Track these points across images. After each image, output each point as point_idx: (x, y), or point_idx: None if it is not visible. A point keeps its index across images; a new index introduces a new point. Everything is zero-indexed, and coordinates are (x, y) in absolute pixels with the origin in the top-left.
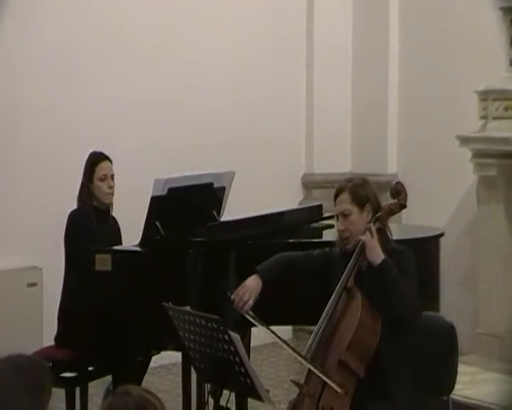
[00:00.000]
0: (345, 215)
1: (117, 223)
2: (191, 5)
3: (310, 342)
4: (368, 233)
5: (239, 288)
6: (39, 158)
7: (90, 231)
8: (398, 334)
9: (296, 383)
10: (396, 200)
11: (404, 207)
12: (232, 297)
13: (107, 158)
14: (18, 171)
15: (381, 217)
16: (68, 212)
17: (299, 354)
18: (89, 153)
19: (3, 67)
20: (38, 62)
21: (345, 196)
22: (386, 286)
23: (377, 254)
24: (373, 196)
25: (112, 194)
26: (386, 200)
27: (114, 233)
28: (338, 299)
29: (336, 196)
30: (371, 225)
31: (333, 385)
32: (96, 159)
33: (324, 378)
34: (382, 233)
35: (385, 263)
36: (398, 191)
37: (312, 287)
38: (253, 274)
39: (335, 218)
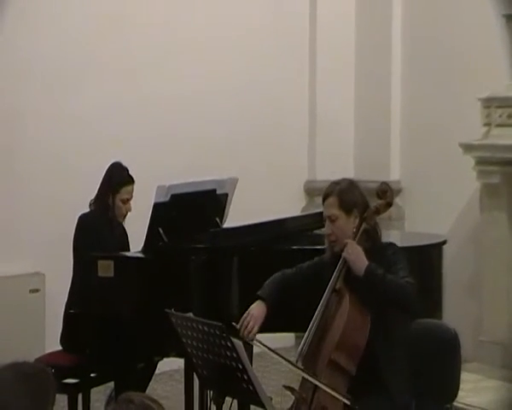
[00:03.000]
0: (331, 220)
1: (125, 230)
2: (197, 12)
3: (301, 345)
4: (347, 247)
5: (244, 316)
6: (42, 164)
7: (98, 236)
8: (390, 331)
9: (288, 388)
10: (382, 200)
11: (390, 205)
12: (238, 326)
13: (133, 181)
14: (20, 177)
15: (367, 217)
16: (71, 217)
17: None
18: (113, 163)
19: (4, 72)
20: (41, 67)
21: (332, 201)
22: (377, 288)
23: (360, 266)
24: (360, 201)
25: (126, 216)
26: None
27: (122, 240)
28: (327, 301)
29: (324, 199)
30: (350, 240)
31: (327, 389)
32: (124, 180)
33: (319, 384)
34: (370, 233)
35: (369, 269)
36: (384, 191)
37: (310, 295)
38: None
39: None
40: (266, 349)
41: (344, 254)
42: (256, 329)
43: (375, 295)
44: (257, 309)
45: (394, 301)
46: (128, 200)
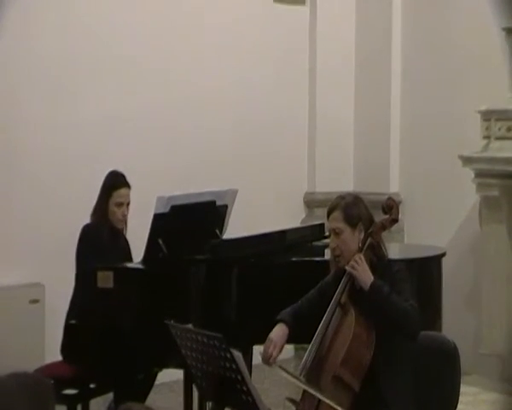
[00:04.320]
0: (336, 233)
1: (127, 243)
2: (193, 23)
3: (304, 359)
4: (353, 262)
5: (265, 344)
6: (41, 174)
7: (101, 248)
8: (395, 347)
9: (291, 401)
10: (388, 215)
11: (396, 221)
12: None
13: (126, 184)
14: (20, 187)
15: (372, 232)
16: (71, 228)
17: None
18: (109, 171)
19: (4, 77)
20: (37, 78)
21: (337, 214)
22: (381, 306)
23: (365, 280)
24: (365, 215)
25: (124, 221)
26: None
27: (125, 250)
28: (332, 315)
29: (329, 213)
30: (357, 255)
31: (332, 404)
32: (116, 183)
33: (325, 400)
34: (375, 249)
35: (374, 285)
36: (390, 206)
37: (317, 314)
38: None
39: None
40: (289, 376)
41: (349, 268)
42: (276, 353)
43: (378, 313)
44: (276, 333)
45: (396, 323)
46: (122, 204)
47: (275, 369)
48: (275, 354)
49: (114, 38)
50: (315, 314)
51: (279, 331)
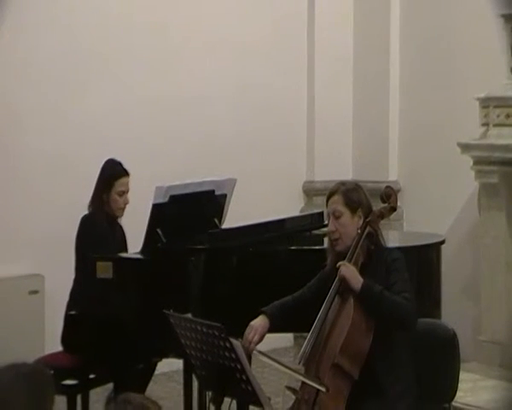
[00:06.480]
0: (336, 216)
1: (123, 231)
2: (195, 15)
3: (304, 347)
4: (342, 267)
5: (246, 330)
6: (41, 165)
7: (101, 238)
8: (392, 335)
9: (291, 389)
10: (386, 204)
11: (395, 210)
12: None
13: (127, 173)
14: (20, 178)
15: (371, 221)
16: (71, 219)
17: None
18: (106, 160)
19: (4, 74)
20: (41, 69)
21: (337, 198)
22: (374, 305)
23: (355, 284)
24: (365, 202)
25: (124, 209)
26: None
27: (122, 241)
28: (331, 303)
29: (329, 197)
30: (340, 263)
31: (320, 388)
32: (117, 173)
33: (317, 386)
34: (373, 237)
35: (364, 287)
36: (389, 195)
37: (315, 303)
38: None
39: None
40: (268, 359)
41: (339, 274)
42: (256, 339)
43: (372, 312)
44: (258, 322)
45: (391, 318)
46: (124, 192)
47: (255, 355)
48: (255, 339)
49: (114, 32)
50: (313, 303)
51: (260, 321)
